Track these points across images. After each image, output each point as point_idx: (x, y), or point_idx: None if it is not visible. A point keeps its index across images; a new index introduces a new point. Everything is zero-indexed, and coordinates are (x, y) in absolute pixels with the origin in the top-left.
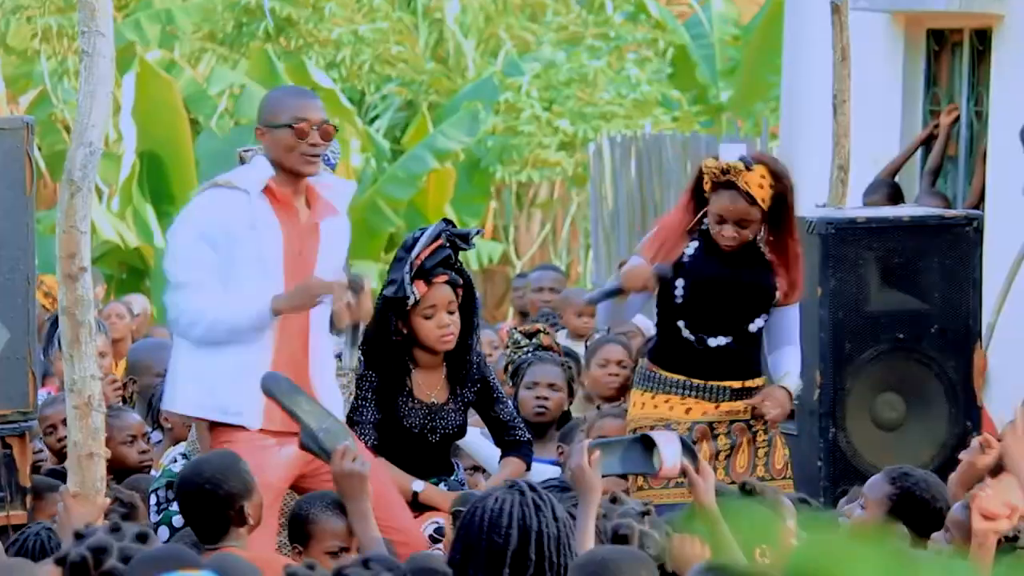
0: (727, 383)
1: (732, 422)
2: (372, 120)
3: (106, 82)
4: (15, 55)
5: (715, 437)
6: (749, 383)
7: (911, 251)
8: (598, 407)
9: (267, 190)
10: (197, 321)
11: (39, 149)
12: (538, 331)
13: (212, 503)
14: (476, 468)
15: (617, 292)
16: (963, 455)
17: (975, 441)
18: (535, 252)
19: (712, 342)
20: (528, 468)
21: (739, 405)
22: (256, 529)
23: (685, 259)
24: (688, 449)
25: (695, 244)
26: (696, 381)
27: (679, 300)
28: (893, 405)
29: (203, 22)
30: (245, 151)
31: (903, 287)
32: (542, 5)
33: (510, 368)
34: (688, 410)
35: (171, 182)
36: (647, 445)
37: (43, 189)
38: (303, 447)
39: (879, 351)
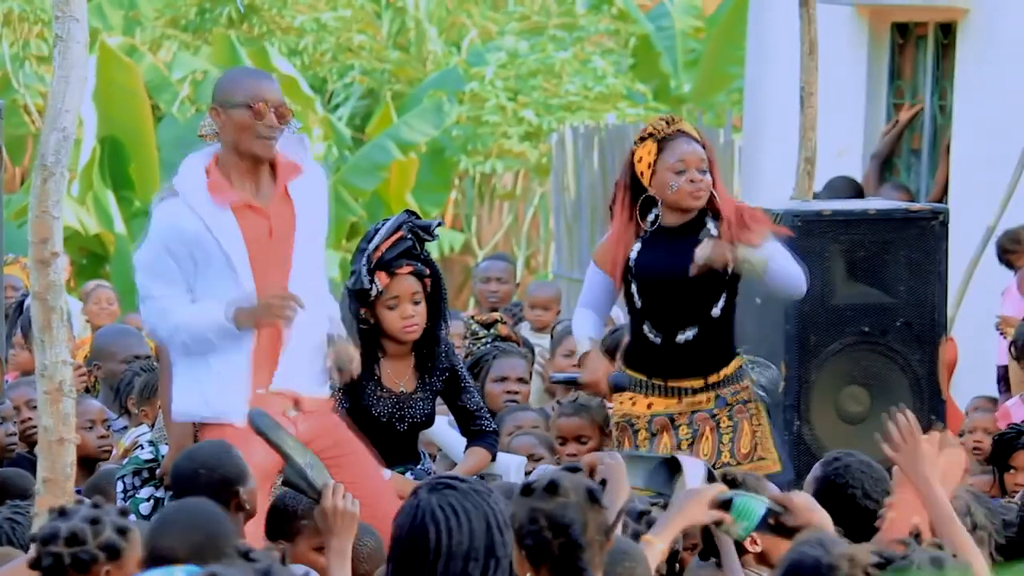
0: (689, 383)
1: (694, 412)
2: (334, 108)
3: (80, 67)
4: None
5: (676, 428)
6: (713, 378)
7: (877, 244)
8: (558, 402)
9: (214, 188)
10: (173, 335)
11: None
12: (496, 321)
13: (207, 488)
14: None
15: (576, 385)
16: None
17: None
18: (498, 242)
19: (680, 338)
20: (493, 458)
21: (702, 397)
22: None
23: (631, 262)
24: (713, 479)
25: (637, 246)
26: (656, 381)
27: (638, 305)
28: (858, 398)
29: (166, 8)
30: (202, 133)
31: (869, 280)
32: None
33: (468, 360)
34: (649, 405)
35: (132, 168)
36: (673, 468)
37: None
38: (288, 483)
39: (844, 344)
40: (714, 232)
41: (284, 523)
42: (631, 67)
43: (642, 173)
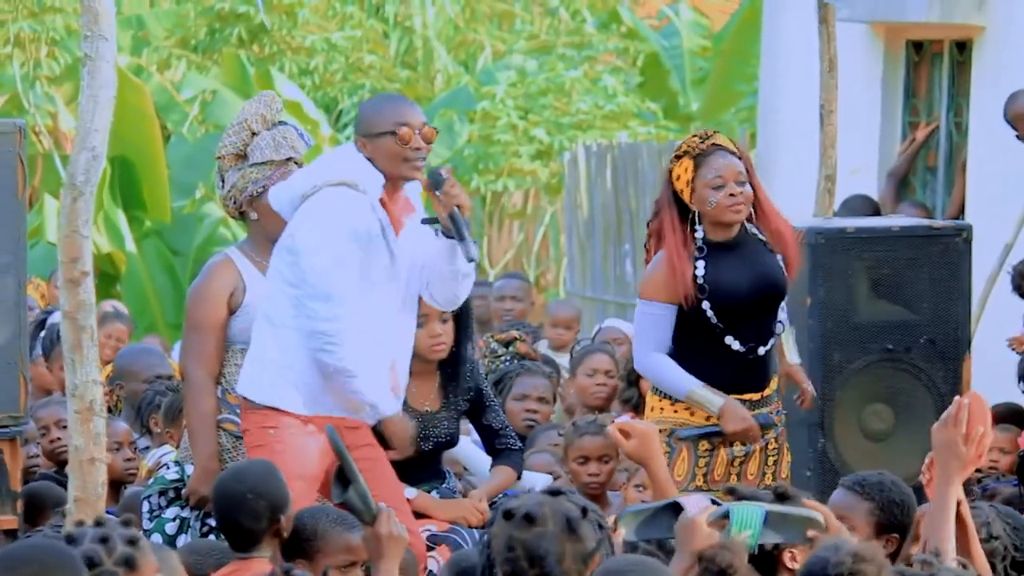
0: (747, 396)
1: None
2: (344, 127)
3: (109, 86)
4: None
5: (731, 444)
6: (760, 393)
7: (900, 261)
8: (574, 424)
9: (384, 199)
10: (328, 355)
11: None
12: (514, 339)
13: (253, 512)
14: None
15: (717, 436)
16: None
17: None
18: (508, 261)
19: (762, 350)
20: (519, 477)
21: (753, 412)
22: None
23: (700, 280)
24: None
25: (701, 263)
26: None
27: (715, 322)
28: (882, 416)
29: (175, 28)
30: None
31: (892, 297)
32: (511, 14)
33: (490, 377)
34: (708, 417)
35: (142, 187)
36: (677, 511)
37: None
38: (345, 503)
39: (868, 361)
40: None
41: (304, 542)
42: (639, 85)
43: (682, 191)
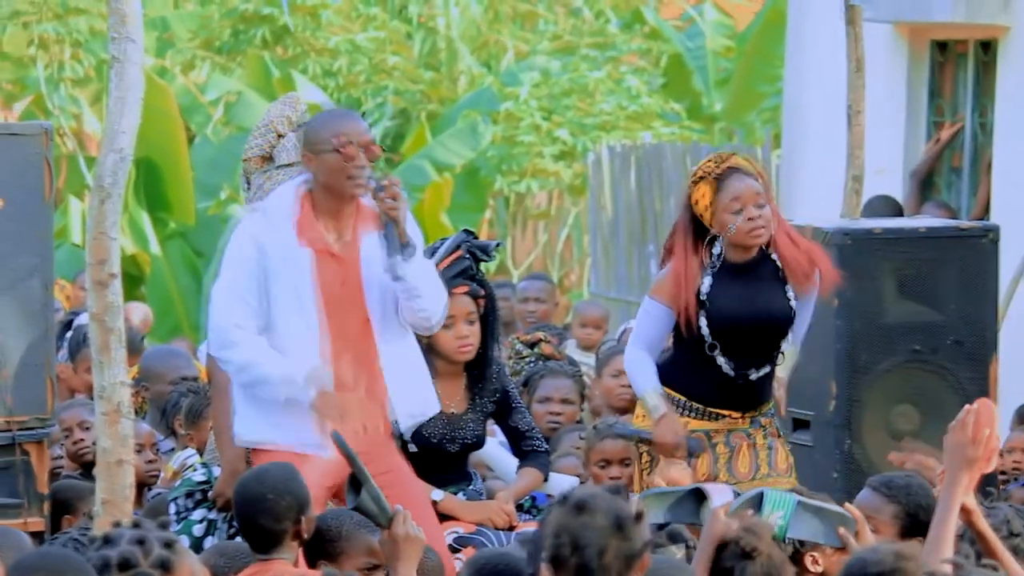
0: (734, 413)
1: (731, 431)
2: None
3: (137, 88)
4: (9, 61)
5: (713, 446)
6: (744, 415)
7: (927, 262)
8: (594, 427)
9: (302, 225)
10: (241, 371)
11: None
12: (539, 340)
13: (274, 512)
14: None
15: (646, 442)
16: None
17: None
18: (532, 262)
19: (754, 376)
20: (545, 479)
21: (738, 418)
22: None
23: (703, 295)
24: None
25: (708, 280)
26: (698, 406)
27: (709, 340)
28: (908, 417)
29: (200, 30)
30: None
31: (919, 298)
32: (534, 15)
33: (518, 379)
34: (686, 423)
35: (167, 189)
36: (700, 497)
37: None
38: (360, 507)
39: (895, 362)
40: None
41: (328, 544)
42: (663, 86)
43: (702, 215)
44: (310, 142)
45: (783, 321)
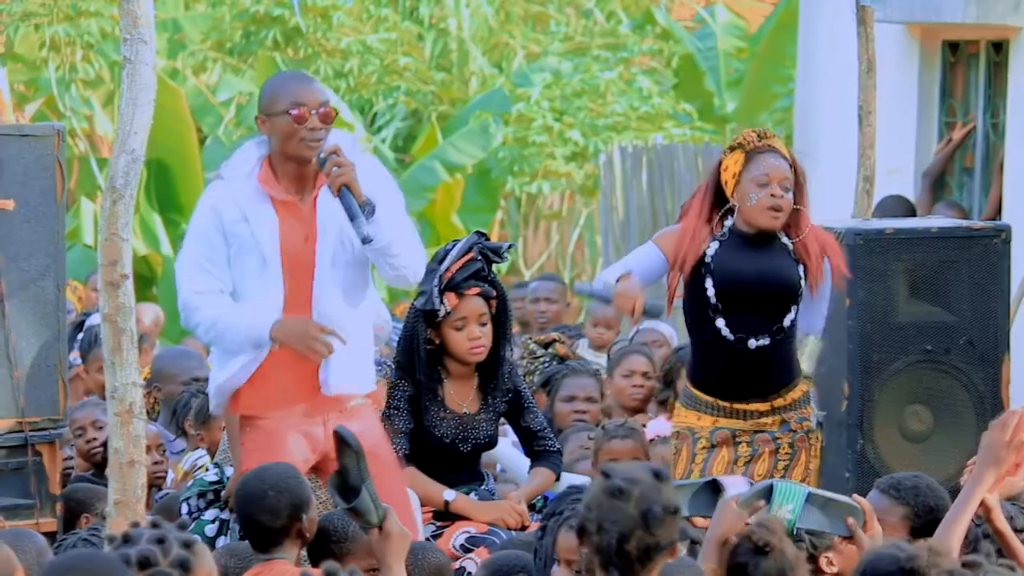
0: (755, 405)
1: (757, 432)
2: (378, 130)
3: (149, 89)
4: (22, 63)
5: (736, 444)
6: (778, 401)
7: (939, 262)
8: (603, 427)
9: (262, 180)
10: (210, 329)
11: None
12: (553, 340)
13: (273, 509)
14: None
15: (606, 301)
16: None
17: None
18: (543, 263)
19: (753, 343)
20: (558, 478)
21: (767, 419)
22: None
23: (708, 259)
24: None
25: (715, 244)
26: (723, 403)
27: (713, 300)
28: (921, 416)
29: (211, 31)
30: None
31: (931, 298)
32: (545, 16)
33: (532, 379)
34: (715, 421)
35: (178, 190)
36: (716, 489)
37: None
38: (356, 508)
39: (907, 362)
40: (788, 245)
41: (332, 544)
42: (674, 87)
43: (727, 182)
44: (264, 105)
45: (787, 286)
